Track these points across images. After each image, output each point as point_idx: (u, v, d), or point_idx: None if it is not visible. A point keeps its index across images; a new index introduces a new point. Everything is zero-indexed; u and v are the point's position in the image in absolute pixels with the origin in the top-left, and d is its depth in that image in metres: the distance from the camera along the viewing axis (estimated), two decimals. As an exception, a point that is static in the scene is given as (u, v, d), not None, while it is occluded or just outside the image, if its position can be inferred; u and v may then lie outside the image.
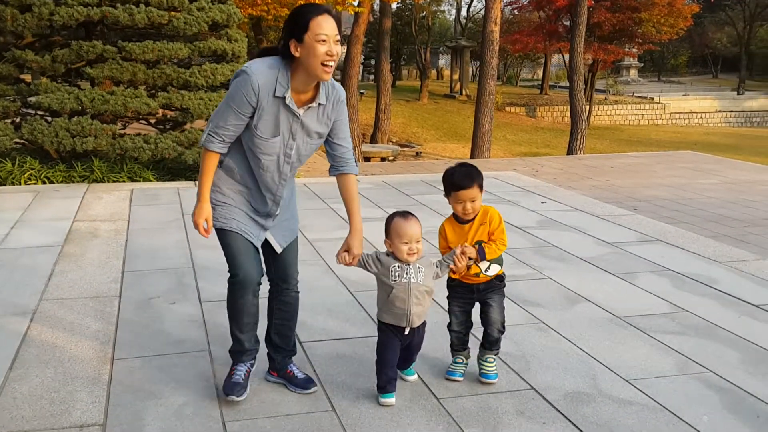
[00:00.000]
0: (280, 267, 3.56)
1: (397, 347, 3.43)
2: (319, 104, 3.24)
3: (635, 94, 37.62)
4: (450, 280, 3.57)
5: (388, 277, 3.32)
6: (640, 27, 30.68)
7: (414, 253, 3.27)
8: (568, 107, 21.96)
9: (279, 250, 3.50)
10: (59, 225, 6.79)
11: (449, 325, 3.66)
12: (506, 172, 10.50)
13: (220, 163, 3.34)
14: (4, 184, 8.93)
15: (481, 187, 3.37)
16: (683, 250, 6.17)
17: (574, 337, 4.26)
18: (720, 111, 36.39)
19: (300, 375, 3.60)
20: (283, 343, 3.61)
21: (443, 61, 49.36)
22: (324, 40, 3.02)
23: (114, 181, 9.27)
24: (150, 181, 9.48)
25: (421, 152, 25.85)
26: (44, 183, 9.03)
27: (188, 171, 10.09)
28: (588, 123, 28.63)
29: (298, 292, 3.64)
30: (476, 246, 3.38)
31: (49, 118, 9.47)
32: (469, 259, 3.39)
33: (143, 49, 9.69)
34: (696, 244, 6.39)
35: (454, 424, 3.30)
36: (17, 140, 9.44)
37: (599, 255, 5.99)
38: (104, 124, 9.27)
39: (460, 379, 3.66)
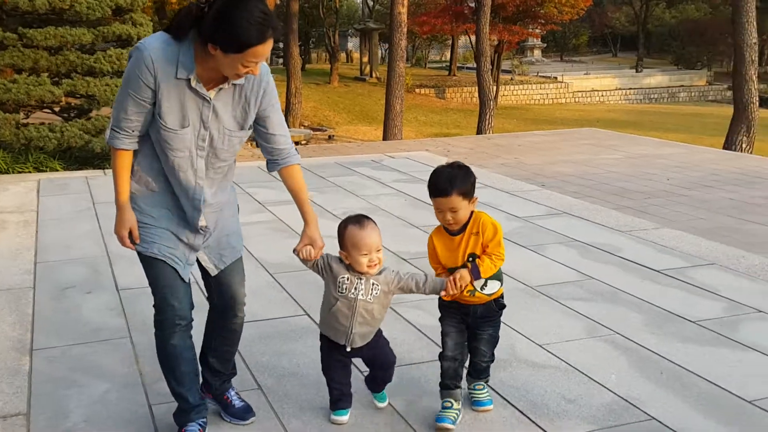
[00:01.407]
0: (222, 292, 3.06)
1: (341, 363, 3.09)
2: (234, 84, 2.73)
3: (540, 74, 38.60)
4: (442, 300, 3.10)
5: (335, 288, 2.93)
6: (543, 8, 31.44)
7: (375, 264, 2.87)
8: (477, 88, 22.36)
9: (213, 272, 3.01)
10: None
11: (442, 353, 3.14)
12: (419, 152, 10.67)
13: (134, 173, 2.84)
14: None
15: (465, 194, 2.90)
16: (588, 222, 6.47)
17: (490, 308, 4.43)
18: (620, 89, 37.75)
19: (238, 404, 3.19)
20: (222, 367, 3.19)
21: (352, 43, 49.32)
22: (253, 63, 2.57)
23: (19, 172, 8.97)
24: (57, 170, 9.20)
25: (333, 135, 25.85)
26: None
27: (96, 159, 9.84)
28: (496, 103, 29.21)
29: (244, 315, 3.15)
30: (469, 263, 2.95)
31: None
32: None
33: (45, 35, 9.39)
34: (600, 215, 6.70)
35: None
36: None
37: (511, 229, 6.22)
38: (7, 114, 8.94)
39: (452, 427, 3.06)
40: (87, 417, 3.24)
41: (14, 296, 4.68)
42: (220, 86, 2.71)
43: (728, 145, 15.12)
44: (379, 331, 3.10)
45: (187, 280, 2.92)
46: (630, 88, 37.91)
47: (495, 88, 27.98)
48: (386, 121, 19.92)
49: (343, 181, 8.21)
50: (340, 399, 3.13)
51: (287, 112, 26.13)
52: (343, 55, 44.27)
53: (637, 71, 41.01)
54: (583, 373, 3.60)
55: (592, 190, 8.96)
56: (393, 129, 19.72)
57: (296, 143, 21.39)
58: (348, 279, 2.91)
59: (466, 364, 3.23)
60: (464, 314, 3.10)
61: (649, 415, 3.22)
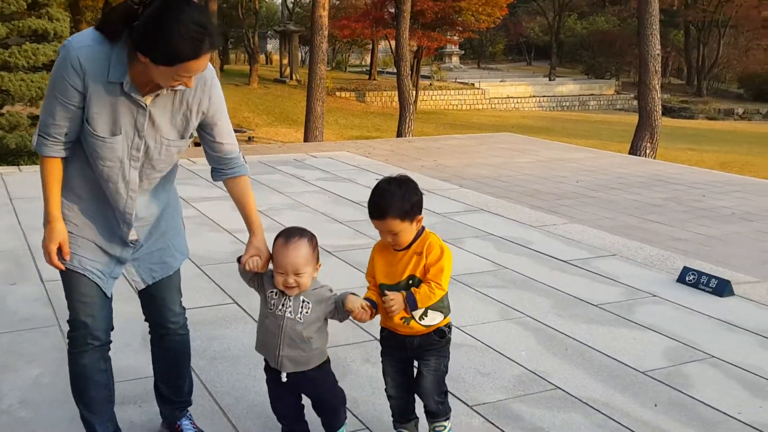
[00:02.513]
0: (153, 308, 2.83)
1: (283, 396, 2.78)
2: (171, 90, 2.45)
3: (457, 80, 39.43)
4: (381, 330, 2.84)
5: (264, 304, 2.69)
6: (460, 15, 32.17)
7: (292, 287, 2.57)
8: (396, 92, 22.73)
9: (139, 286, 2.76)
10: None
11: (385, 389, 2.89)
12: (341, 152, 10.89)
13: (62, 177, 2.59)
14: None
15: (405, 216, 2.58)
16: (502, 217, 6.83)
17: (411, 295, 4.69)
18: (534, 96, 38.93)
19: None
20: (171, 393, 2.95)
21: (271, 45, 49.12)
22: (185, 77, 2.33)
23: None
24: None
25: (253, 137, 25.77)
26: None
27: (10, 156, 9.68)
28: (415, 107, 29.70)
29: (184, 333, 2.92)
30: (404, 292, 2.62)
31: None
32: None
33: (-43, 27, 9.17)
34: (513, 212, 7.07)
35: None
36: None
37: (430, 224, 6.44)
38: None
39: None
40: (21, 399, 3.31)
41: (-65, 288, 4.65)
42: (158, 92, 2.43)
43: (633, 150, 15.89)
44: (324, 365, 2.74)
45: (109, 295, 2.67)
46: (543, 96, 39.13)
47: (414, 92, 28.45)
48: (307, 123, 20.03)
49: (267, 179, 8.34)
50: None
51: (206, 112, 25.98)
52: (262, 56, 44.06)
53: (550, 80, 42.36)
54: (496, 351, 3.89)
55: (508, 191, 9.35)
56: (314, 131, 19.86)
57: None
58: (276, 294, 2.63)
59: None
60: (401, 347, 2.77)
61: (554, 384, 3.53)
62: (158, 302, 2.81)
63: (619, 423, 3.19)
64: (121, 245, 2.65)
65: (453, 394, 3.40)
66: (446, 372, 2.81)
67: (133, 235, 2.64)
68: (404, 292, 2.60)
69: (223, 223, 6.27)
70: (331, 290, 2.68)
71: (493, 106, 37.35)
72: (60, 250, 2.55)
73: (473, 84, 38.43)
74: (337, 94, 34.36)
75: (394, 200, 2.58)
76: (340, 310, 2.64)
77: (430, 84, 37.14)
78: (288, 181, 8.29)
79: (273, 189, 7.83)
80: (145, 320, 2.90)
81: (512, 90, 38.74)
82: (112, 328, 2.74)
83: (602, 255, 5.66)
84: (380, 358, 2.90)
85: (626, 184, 9.78)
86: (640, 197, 8.97)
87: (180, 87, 2.40)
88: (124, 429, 2.87)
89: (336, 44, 42.15)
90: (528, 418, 3.21)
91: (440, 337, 2.75)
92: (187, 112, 2.52)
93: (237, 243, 5.63)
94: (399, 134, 22.36)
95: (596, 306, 4.58)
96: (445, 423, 2.88)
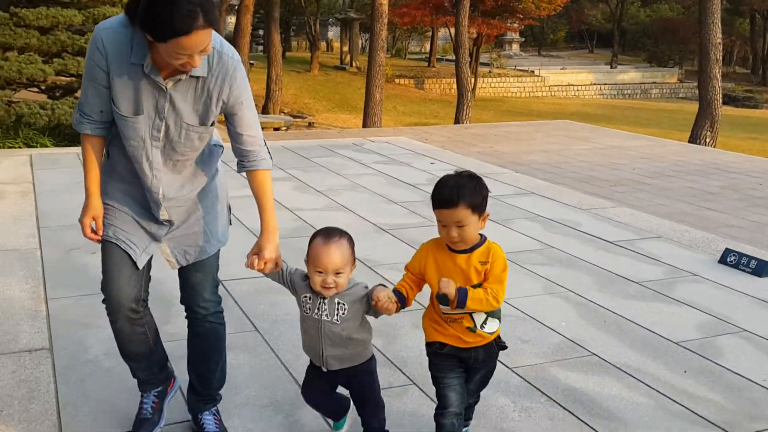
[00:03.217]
0: (187, 290, 2.88)
1: (319, 387, 2.79)
2: (193, 76, 2.50)
3: (517, 68, 39.27)
4: (430, 344, 2.64)
5: (300, 308, 2.70)
6: (521, 3, 32.07)
7: (330, 287, 2.55)
8: (455, 79, 22.86)
9: (172, 266, 2.82)
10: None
11: (441, 410, 2.59)
12: (398, 137, 11.17)
13: (107, 155, 2.73)
14: None
15: (475, 208, 2.44)
16: (553, 201, 7.02)
17: (459, 270, 4.96)
18: (595, 84, 38.53)
19: (211, 429, 2.92)
20: (197, 381, 2.95)
21: (333, 32, 49.63)
22: (184, 55, 2.33)
23: (9, 147, 9.32)
24: (47, 146, 9.57)
25: (313, 123, 26.25)
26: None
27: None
28: (473, 94, 29.73)
29: (218, 323, 2.94)
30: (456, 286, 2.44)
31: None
32: (442, 299, 2.47)
33: (37, 15, 9.73)
34: (564, 195, 7.26)
35: None
36: None
37: (481, 205, 6.74)
38: None
39: None
40: (106, 351, 3.69)
41: (23, 255, 5.10)
42: (178, 77, 2.49)
43: (693, 139, 15.78)
44: (370, 364, 2.75)
45: (141, 267, 2.72)
46: (604, 84, 38.69)
47: (473, 80, 28.51)
48: (366, 109, 20.36)
49: (327, 162, 8.69)
50: (328, 415, 2.92)
51: (267, 98, 26.51)
52: (323, 44, 44.55)
53: (611, 67, 41.82)
54: (537, 321, 4.14)
55: (563, 177, 9.47)
56: (373, 117, 20.17)
57: (276, 129, 21.41)
58: (310, 299, 2.63)
59: None
60: (462, 359, 2.60)
61: (590, 352, 3.76)
62: (190, 285, 2.85)
63: (648, 386, 3.42)
64: (155, 223, 2.71)
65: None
66: (488, 381, 2.77)
67: (164, 215, 2.70)
68: (456, 285, 2.42)
69: (285, 202, 6.62)
70: (366, 287, 2.62)
71: (552, 93, 37.11)
72: (95, 222, 2.66)
73: (533, 71, 38.23)
74: (396, 81, 34.62)
75: (466, 190, 2.45)
76: (371, 305, 2.58)
77: (490, 71, 37.09)
78: (346, 164, 8.61)
79: (332, 171, 8.17)
80: (181, 302, 2.93)
81: (573, 77, 38.41)
82: (145, 299, 2.79)
83: (648, 237, 5.83)
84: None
85: (683, 172, 9.80)
86: (696, 185, 9.00)
87: (200, 73, 2.46)
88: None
89: (396, 32, 42.37)
90: (563, 380, 3.46)
91: (501, 348, 2.66)
92: (207, 99, 2.54)
93: (298, 220, 5.97)
94: (456, 121, 22.51)
95: (637, 283, 4.78)
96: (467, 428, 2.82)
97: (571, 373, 3.52)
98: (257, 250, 2.64)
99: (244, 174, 2.71)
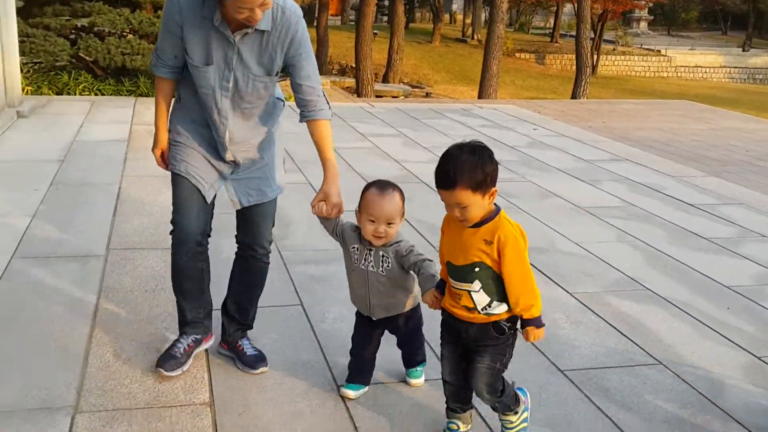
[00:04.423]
0: (246, 229, 3.05)
1: (366, 334, 2.94)
2: (258, 30, 2.69)
3: (643, 46, 38.28)
4: (442, 311, 2.62)
5: (348, 259, 2.84)
6: (651, -21, 31.32)
7: (381, 237, 2.67)
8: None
9: (235, 206, 2.98)
10: (120, 127, 7.97)
11: (441, 373, 2.68)
12: (507, 105, 11.62)
13: (179, 98, 2.95)
14: (61, 94, 10.12)
15: (477, 187, 2.26)
16: (645, 167, 7.38)
17: (541, 217, 5.49)
18: (724, 66, 37.06)
19: (250, 352, 3.16)
20: (238, 314, 3.17)
21: (456, 5, 49.74)
22: (246, 9, 2.54)
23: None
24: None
25: (431, 93, 26.80)
26: (96, 95, 10.20)
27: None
28: (595, 72, 29.34)
29: (267, 263, 3.14)
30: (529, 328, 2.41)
31: (102, 38, 10.60)
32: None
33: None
34: (656, 163, 7.59)
35: None
36: (72, 56, 10.58)
37: (574, 167, 7.20)
38: (150, 44, 10.39)
39: None
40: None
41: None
42: (245, 31, 2.67)
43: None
44: (414, 312, 2.92)
45: (208, 202, 2.93)
46: (735, 67, 37.17)
47: (596, 56, 28.23)
48: (482, 81, 20.73)
49: (434, 123, 9.30)
50: (353, 373, 2.98)
51: (388, 67, 27.24)
52: (446, 16, 44.82)
53: (743, 50, 40.01)
54: (603, 261, 4.64)
55: (671, 154, 9.57)
56: (488, 89, 20.52)
57: (394, 98, 22.05)
58: (358, 249, 2.77)
59: None
60: (457, 332, 2.53)
61: (645, 287, 4.25)
62: (251, 226, 3.03)
63: (690, 315, 3.89)
64: (223, 162, 2.92)
65: (558, 284, 4.22)
66: (502, 371, 2.52)
67: (229, 156, 2.90)
68: (528, 327, 2.39)
69: (394, 155, 7.30)
70: (410, 249, 2.73)
71: (679, 74, 36.04)
72: (164, 154, 2.98)
73: (659, 51, 37.18)
74: (517, 55, 34.58)
75: (465, 168, 2.24)
76: (418, 275, 2.71)
77: (614, 49, 36.39)
78: (453, 126, 9.20)
79: (439, 131, 8.78)
80: (236, 241, 3.10)
81: (701, 59, 37.10)
82: (209, 234, 3.02)
83: (729, 203, 6.15)
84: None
85: (800, 158, 9.70)
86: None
87: (264, 27, 2.67)
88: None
89: (521, 5, 42.09)
90: (614, 305, 3.98)
91: (498, 333, 2.44)
92: (272, 51, 2.74)
93: (402, 170, 6.63)
94: (573, 96, 22.50)
95: (707, 239, 5.17)
96: (512, 417, 2.64)
97: (623, 301, 4.03)
98: (323, 197, 2.79)
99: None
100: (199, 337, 3.11)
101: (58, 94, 10.07)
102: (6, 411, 2.74)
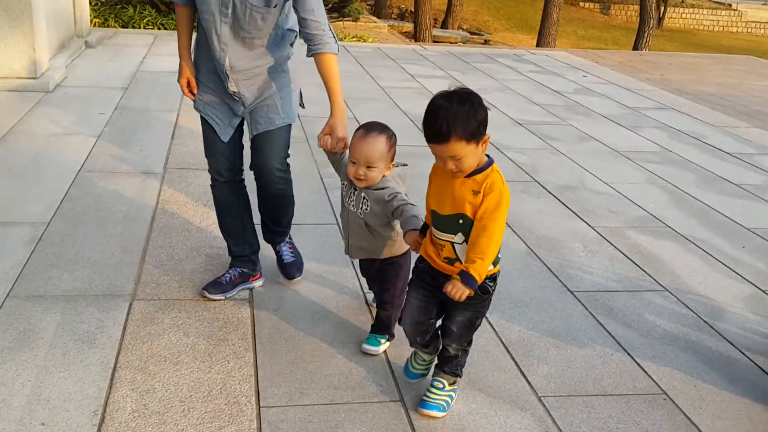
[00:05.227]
0: (256, 156, 3.13)
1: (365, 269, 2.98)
2: None
3: (713, 0, 37.02)
4: (418, 258, 2.52)
5: (341, 193, 2.86)
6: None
7: (361, 179, 2.62)
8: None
9: (250, 135, 3.08)
10: (181, 59, 8.33)
11: (400, 319, 2.59)
12: (560, 53, 11.62)
13: (198, 36, 3.00)
14: (126, 27, 10.53)
15: (471, 137, 2.15)
16: (690, 117, 7.44)
17: (577, 158, 5.68)
18: (800, 23, 35.65)
19: (287, 258, 3.39)
20: (270, 222, 3.35)
21: (523, -49, 48.58)
22: None
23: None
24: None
25: (489, 40, 26.57)
26: (159, 29, 10.59)
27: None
28: (661, 24, 28.52)
29: (283, 186, 3.21)
30: (458, 276, 2.20)
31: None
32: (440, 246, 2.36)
33: None
34: (702, 113, 7.64)
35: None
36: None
37: (618, 114, 7.31)
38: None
39: (413, 381, 2.70)
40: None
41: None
42: None
43: None
44: (394, 262, 2.82)
45: (224, 141, 3.06)
46: (811, 23, 35.69)
47: (663, 8, 27.46)
48: (541, 29, 20.52)
49: (484, 67, 9.43)
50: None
51: (447, 13, 27.02)
52: (511, -38, 43.85)
53: (823, 5, 38.31)
54: (629, 199, 4.84)
55: (727, 109, 9.48)
56: (547, 37, 20.31)
57: (451, 44, 21.96)
58: (346, 186, 2.77)
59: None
60: (434, 279, 2.43)
61: (666, 225, 4.45)
62: (260, 152, 3.09)
63: (704, 251, 4.10)
64: (232, 99, 2.99)
65: (582, 218, 4.45)
66: (477, 327, 2.51)
67: (232, 86, 2.95)
68: (458, 276, 2.19)
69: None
70: (393, 195, 2.62)
71: (749, 30, 34.82)
72: (190, 83, 3.04)
73: (730, 4, 35.92)
74: (581, 4, 33.83)
75: (458, 119, 2.13)
76: (400, 218, 2.62)
77: (682, 1, 35.30)
78: (502, 70, 9.32)
79: (487, 75, 8.92)
80: (250, 168, 3.18)
81: (775, 14, 35.71)
82: (239, 169, 3.17)
83: (766, 153, 6.22)
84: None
85: None
86: None
87: None
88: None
89: (588, -47, 40.91)
90: (632, 238, 4.20)
91: (483, 292, 2.36)
92: None
93: (447, 109, 6.83)
94: (635, 48, 22.10)
95: (736, 185, 5.30)
96: (447, 381, 2.56)
97: (641, 236, 4.25)
98: (329, 131, 2.81)
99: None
100: (246, 271, 3.28)
101: (123, 27, 10.48)
102: (75, 295, 3.15)
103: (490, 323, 3.16)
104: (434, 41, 22.50)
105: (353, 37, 12.60)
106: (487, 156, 2.26)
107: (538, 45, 20.53)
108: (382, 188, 2.64)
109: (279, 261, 3.42)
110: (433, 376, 2.60)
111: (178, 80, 3.06)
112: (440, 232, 2.34)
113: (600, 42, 28.64)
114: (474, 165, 2.21)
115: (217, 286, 3.21)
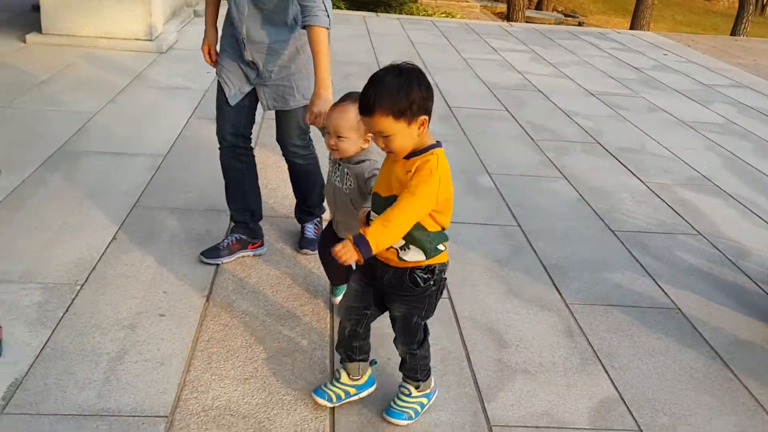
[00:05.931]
0: (278, 132, 3.27)
1: (330, 246, 2.56)
2: None
3: (827, -14, 35.40)
4: None
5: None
6: None
7: (333, 149, 2.56)
8: (741, -11, 21.78)
9: (264, 108, 3.19)
10: (279, 28, 9.00)
11: (337, 311, 2.54)
12: (645, 32, 11.76)
13: (228, 8, 3.10)
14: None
15: (398, 114, 1.98)
16: (763, 95, 7.62)
17: (643, 127, 6.03)
18: None
19: (308, 235, 3.51)
20: (299, 199, 3.52)
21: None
22: None
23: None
24: (341, 9, 11.58)
25: (583, 23, 26.43)
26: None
27: (371, 5, 12.09)
28: (765, 11, 27.61)
29: (302, 162, 3.35)
30: (351, 237, 2.00)
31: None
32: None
33: None
34: (778, 92, 7.80)
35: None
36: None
37: (691, 89, 7.56)
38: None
39: (325, 403, 2.43)
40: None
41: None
42: None
43: None
44: None
45: (231, 104, 3.15)
46: None
47: (766, -7, 26.54)
48: (636, 11, 20.36)
49: (567, 43, 9.76)
50: (331, 277, 3.03)
51: (542, -6, 27.03)
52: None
53: None
54: (683, 161, 5.20)
55: None
56: (641, 20, 20.13)
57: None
58: (331, 161, 2.71)
59: None
60: (371, 268, 2.25)
61: (714, 184, 4.81)
62: (280, 129, 3.27)
63: (745, 207, 4.46)
64: (248, 66, 3.10)
65: (633, 173, 4.85)
66: (419, 326, 2.31)
67: (248, 56, 3.06)
68: (351, 238, 2.00)
69: (518, 66, 7.92)
70: (374, 171, 2.52)
71: None
72: (211, 51, 3.24)
73: (843, -9, 34.26)
74: (682, -12, 33.02)
75: (386, 93, 1.98)
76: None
77: (792, -13, 33.91)
78: (584, 47, 9.63)
79: (568, 50, 9.25)
80: (276, 140, 3.34)
81: None
82: (246, 136, 3.25)
83: (834, 130, 6.42)
84: None
85: None
86: None
87: None
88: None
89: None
90: (679, 194, 4.58)
91: (413, 283, 2.19)
92: None
93: (523, 80, 7.24)
94: (733, 33, 21.64)
95: (793, 155, 5.58)
96: (411, 387, 2.40)
97: (688, 192, 4.63)
98: (310, 105, 2.84)
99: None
100: (244, 238, 3.33)
101: (228, -1, 11.27)
102: (187, 209, 3.81)
103: (534, 250, 3.65)
104: (527, 22, 22.65)
105: (443, 13, 13.07)
106: (438, 142, 2.10)
107: (631, 28, 20.40)
108: (362, 161, 2.57)
109: (300, 237, 3.54)
110: (401, 382, 2.43)
111: (201, 47, 3.27)
112: (376, 214, 2.16)
113: (698, 27, 28.01)
114: (407, 147, 2.04)
115: (213, 251, 3.31)
